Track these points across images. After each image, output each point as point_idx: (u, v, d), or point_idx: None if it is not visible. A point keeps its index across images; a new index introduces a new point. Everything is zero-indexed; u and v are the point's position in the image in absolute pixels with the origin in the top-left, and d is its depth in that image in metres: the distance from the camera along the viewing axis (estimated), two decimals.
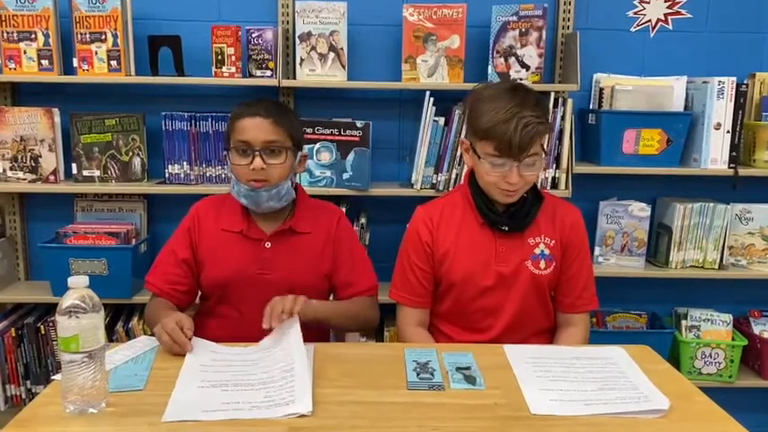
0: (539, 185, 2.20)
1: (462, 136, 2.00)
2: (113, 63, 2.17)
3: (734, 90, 2.22)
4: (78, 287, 1.15)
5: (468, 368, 1.37)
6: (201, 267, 1.71)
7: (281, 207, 1.69)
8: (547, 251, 1.68)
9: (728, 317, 2.38)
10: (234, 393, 1.24)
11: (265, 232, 1.69)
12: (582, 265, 1.73)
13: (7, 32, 2.16)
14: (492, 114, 1.53)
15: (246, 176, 1.61)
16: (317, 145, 2.23)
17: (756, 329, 2.44)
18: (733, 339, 2.36)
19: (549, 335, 1.77)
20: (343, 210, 2.21)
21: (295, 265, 1.69)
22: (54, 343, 2.24)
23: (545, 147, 1.63)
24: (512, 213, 1.66)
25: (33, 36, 2.17)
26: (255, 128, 1.60)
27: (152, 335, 1.59)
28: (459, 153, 2.20)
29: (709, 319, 2.38)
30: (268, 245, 1.68)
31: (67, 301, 1.14)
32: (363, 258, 1.80)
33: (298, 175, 1.92)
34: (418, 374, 1.33)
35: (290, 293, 1.68)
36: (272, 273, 1.68)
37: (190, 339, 1.42)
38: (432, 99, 2.19)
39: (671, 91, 2.29)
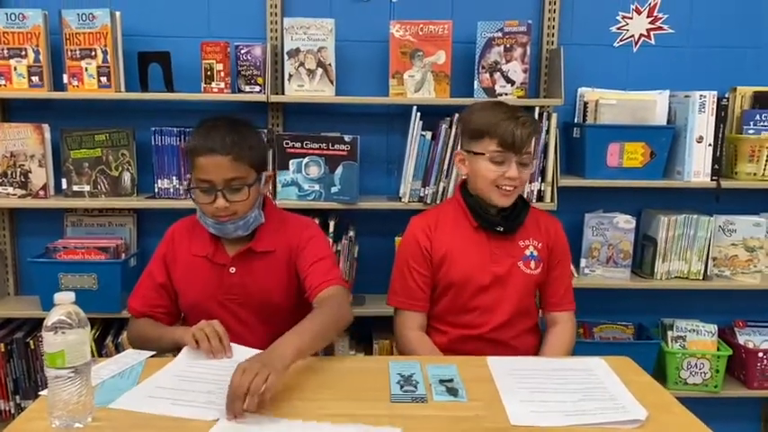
0: (524, 197, 2.26)
1: (457, 148, 2.03)
2: (103, 79, 2.19)
3: (715, 104, 2.26)
4: (65, 303, 1.17)
5: (450, 380, 1.39)
6: (177, 292, 1.72)
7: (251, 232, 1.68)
8: (536, 253, 1.80)
9: (713, 327, 2.40)
10: (187, 393, 1.30)
11: (230, 255, 1.67)
12: (565, 269, 1.88)
13: None
14: (491, 116, 1.71)
15: (211, 213, 1.59)
16: (306, 159, 2.25)
17: (741, 339, 2.46)
18: (718, 349, 2.38)
19: (533, 333, 1.86)
20: (332, 224, 2.24)
21: (261, 287, 1.67)
22: (43, 358, 2.24)
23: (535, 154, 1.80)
24: (504, 216, 1.78)
25: (24, 53, 2.19)
26: (215, 167, 1.54)
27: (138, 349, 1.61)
28: (446, 166, 2.23)
29: (694, 330, 2.40)
30: (233, 270, 1.66)
31: (54, 316, 1.15)
32: (325, 256, 1.69)
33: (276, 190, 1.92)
34: (402, 387, 1.35)
35: (260, 315, 1.68)
36: (240, 297, 1.67)
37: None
38: (419, 114, 2.22)
39: (654, 105, 2.33)
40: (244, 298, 1.67)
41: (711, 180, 2.30)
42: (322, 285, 1.60)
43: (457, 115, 2.19)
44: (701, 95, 2.26)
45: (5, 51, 2.19)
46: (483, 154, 1.71)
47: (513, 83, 2.26)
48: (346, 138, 2.24)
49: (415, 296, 1.79)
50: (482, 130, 1.71)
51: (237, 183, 1.57)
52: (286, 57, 2.23)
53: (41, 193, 2.27)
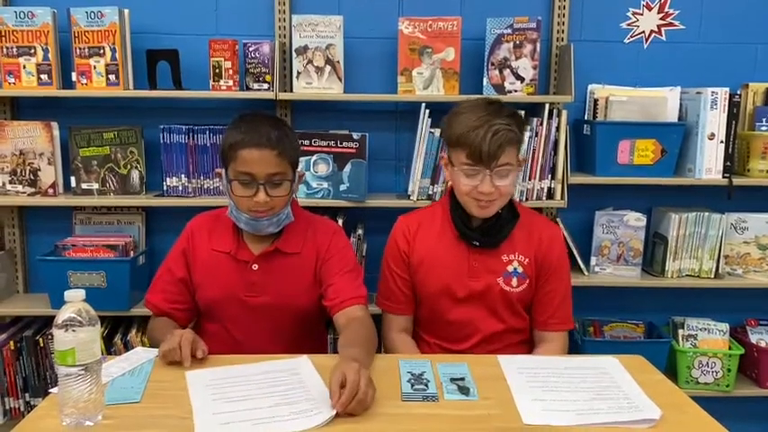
0: (534, 196, 2.25)
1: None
2: (112, 77, 2.19)
3: (727, 100, 2.23)
4: (75, 301, 1.16)
5: (462, 379, 1.38)
6: (196, 287, 1.71)
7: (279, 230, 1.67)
8: (520, 269, 1.70)
9: (725, 326, 2.38)
10: (254, 411, 1.23)
11: (254, 253, 1.67)
12: (557, 285, 1.73)
13: (7, 47, 2.18)
14: (464, 123, 1.59)
15: (248, 207, 1.58)
16: (314, 157, 2.25)
17: (753, 338, 2.44)
18: (730, 348, 2.36)
19: (527, 345, 1.79)
20: (340, 221, 2.23)
21: (284, 287, 1.66)
22: (53, 356, 2.25)
23: (519, 159, 1.66)
24: (485, 229, 1.69)
25: (33, 51, 2.19)
26: (260, 161, 1.54)
27: (150, 346, 1.61)
28: None
29: (705, 329, 2.38)
30: (255, 267, 1.66)
31: (64, 314, 1.15)
32: (351, 269, 1.71)
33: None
34: (413, 386, 1.34)
35: (277, 315, 1.67)
36: (260, 296, 1.66)
37: (197, 356, 1.43)
38: (427, 111, 2.21)
39: (665, 101, 2.31)
40: (264, 297, 1.66)
41: (723, 177, 2.27)
42: (349, 302, 1.62)
43: None
44: (712, 92, 2.24)
45: (15, 49, 2.19)
46: (455, 166, 1.63)
47: (522, 80, 2.25)
48: (355, 135, 2.24)
49: (396, 299, 1.77)
50: (453, 138, 1.61)
51: (279, 178, 1.58)
52: (294, 54, 2.23)
53: (50, 191, 2.27)
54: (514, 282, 1.69)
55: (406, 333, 1.79)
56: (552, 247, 1.73)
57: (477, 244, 1.68)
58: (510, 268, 1.70)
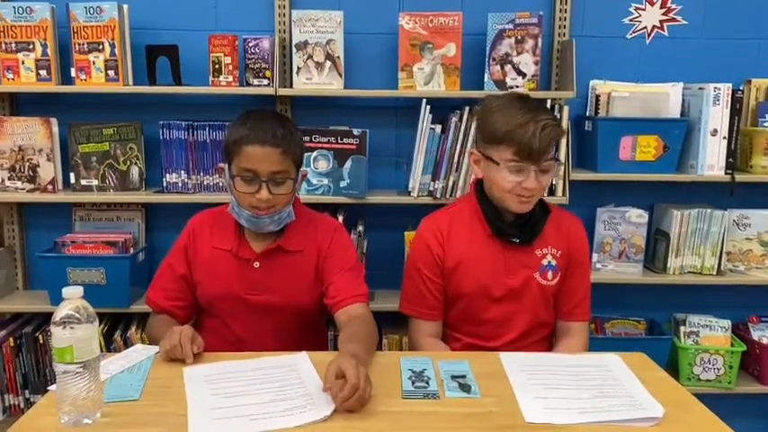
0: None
1: (473, 147, 1.99)
2: (111, 73, 2.18)
3: (730, 96, 2.22)
4: (73, 298, 1.16)
5: (463, 376, 1.37)
6: (196, 284, 1.70)
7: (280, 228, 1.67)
8: (554, 262, 1.70)
9: (727, 323, 2.37)
10: (249, 407, 1.22)
11: (255, 251, 1.66)
12: (582, 277, 1.75)
13: (5, 43, 2.17)
14: (507, 119, 1.55)
15: (250, 203, 1.57)
16: (314, 153, 2.24)
17: (755, 335, 2.43)
18: (732, 345, 2.35)
19: (547, 341, 1.79)
20: (341, 218, 2.22)
21: (285, 286, 1.66)
22: (52, 353, 2.24)
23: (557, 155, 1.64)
24: (520, 225, 1.67)
25: (31, 46, 2.18)
26: (264, 158, 1.53)
27: (149, 344, 1.60)
28: (456, 161, 2.21)
29: (707, 325, 2.37)
30: (256, 265, 1.65)
31: (62, 311, 1.14)
32: (352, 267, 1.70)
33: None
34: (413, 383, 1.34)
35: (278, 313, 1.66)
36: (261, 294, 1.65)
37: (194, 351, 1.43)
38: (428, 107, 2.20)
39: (667, 97, 2.29)
40: (265, 295, 1.66)
41: (726, 173, 2.26)
42: (351, 300, 1.62)
43: (467, 108, 2.17)
44: (715, 88, 2.22)
45: (13, 45, 2.18)
46: (498, 163, 1.58)
47: (524, 75, 2.24)
48: (355, 131, 2.23)
49: (429, 305, 1.73)
50: (498, 135, 1.55)
51: (282, 176, 1.57)
52: (294, 49, 2.21)
53: (50, 187, 2.26)
54: (550, 275, 1.69)
55: (437, 338, 1.75)
56: (579, 241, 1.74)
57: (517, 240, 1.66)
58: (545, 262, 1.69)
